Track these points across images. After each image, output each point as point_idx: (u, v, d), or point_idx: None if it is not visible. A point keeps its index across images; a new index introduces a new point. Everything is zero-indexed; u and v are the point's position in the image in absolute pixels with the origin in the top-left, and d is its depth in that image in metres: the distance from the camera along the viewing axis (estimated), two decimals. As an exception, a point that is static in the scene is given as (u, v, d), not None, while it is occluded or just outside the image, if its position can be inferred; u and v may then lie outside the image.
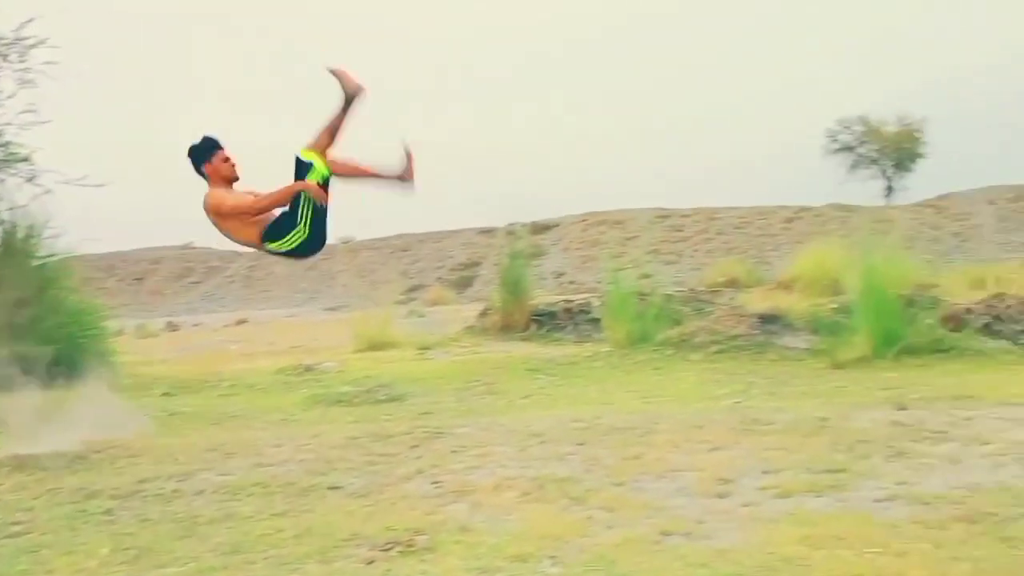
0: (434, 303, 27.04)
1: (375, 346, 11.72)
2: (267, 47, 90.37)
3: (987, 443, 4.17)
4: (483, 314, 13.44)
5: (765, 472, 3.84)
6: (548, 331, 12.12)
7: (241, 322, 24.17)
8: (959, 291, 11.73)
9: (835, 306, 9.65)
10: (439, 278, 41.03)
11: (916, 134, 46.21)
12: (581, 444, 4.75)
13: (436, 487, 3.98)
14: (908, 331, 7.99)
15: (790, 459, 4.05)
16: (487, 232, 43.74)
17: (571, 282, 36.99)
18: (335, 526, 3.38)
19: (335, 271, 43.47)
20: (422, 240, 46.69)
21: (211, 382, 9.18)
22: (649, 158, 74.79)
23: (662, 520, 3.19)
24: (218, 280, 46.14)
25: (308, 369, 9.72)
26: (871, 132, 46.53)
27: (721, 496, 3.51)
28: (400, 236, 47.20)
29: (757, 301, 11.94)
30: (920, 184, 48.79)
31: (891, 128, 46.36)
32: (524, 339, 11.90)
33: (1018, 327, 7.98)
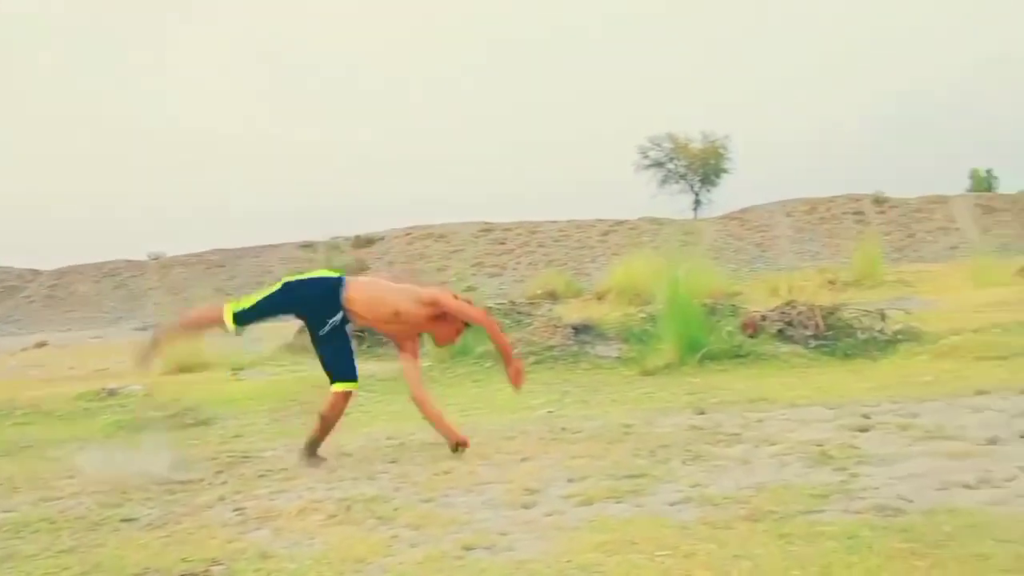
0: (253, 320, 26.13)
1: (185, 368, 11.17)
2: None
3: (775, 443, 4.43)
4: (302, 331, 13.11)
5: (570, 480, 3.92)
6: (370, 347, 11.97)
7: (41, 345, 22.51)
8: (759, 298, 12.50)
9: (644, 315, 10.05)
10: (258, 295, 39.72)
11: (720, 151, 49.10)
12: (393, 462, 4.71)
13: (238, 514, 3.83)
14: (710, 338, 8.40)
15: (594, 466, 4.16)
16: (308, 246, 42.86)
17: (395, 296, 36.67)
18: (126, 560, 3.18)
19: (145, 289, 41.41)
20: (239, 255, 45.09)
21: (4, 410, 8.49)
22: (473, 172, 75.61)
23: (466, 535, 3.19)
24: (15, 301, 42.82)
25: (111, 393, 9.15)
26: (679, 149, 49.06)
27: (526, 507, 3.56)
28: (215, 251, 45.43)
29: (573, 312, 12.27)
30: (725, 198, 51.74)
31: (697, 145, 49.07)
32: (344, 355, 11.69)
33: (807, 332, 8.54)
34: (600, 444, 4.74)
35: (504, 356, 4.92)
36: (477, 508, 3.61)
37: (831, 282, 17.72)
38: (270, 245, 45.34)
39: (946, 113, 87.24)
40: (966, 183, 54.37)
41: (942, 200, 46.90)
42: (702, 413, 5.63)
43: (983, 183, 54.17)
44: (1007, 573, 2.39)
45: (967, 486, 3.30)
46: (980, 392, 5.61)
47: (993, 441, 4.07)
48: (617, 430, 5.13)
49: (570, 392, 7.47)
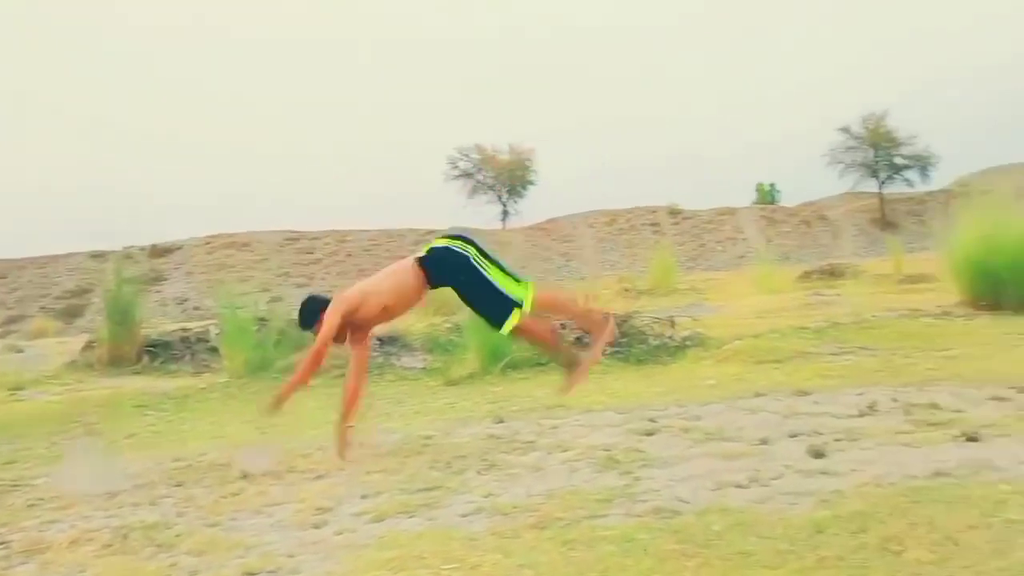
0: (37, 336, 24.40)
1: (-43, 389, 10.23)
2: None
3: (567, 450, 4.54)
4: (87, 347, 12.32)
5: (364, 497, 3.86)
6: (163, 363, 11.39)
7: None
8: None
9: (450, 326, 10.10)
10: (42, 308, 37.09)
11: (527, 162, 50.29)
12: (179, 485, 4.48)
13: (2, 548, 3.53)
14: (512, 347, 8.54)
15: (390, 481, 4.12)
16: (99, 256, 40.32)
17: (196, 308, 35.27)
18: None
19: (-91, 304, 37.69)
20: (22, 266, 41.85)
21: None
22: (277, 180, 73.72)
23: (251, 559, 3.08)
24: None
25: None
26: (486, 160, 49.84)
27: (316, 527, 3.47)
28: (-5, 261, 42.03)
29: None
30: (531, 209, 53.02)
31: (504, 156, 50.03)
32: (136, 373, 11.07)
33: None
34: (397, 458, 4.70)
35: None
36: (265, 530, 3.49)
37: (628, 290, 18.50)
38: (57, 255, 42.35)
39: (734, 134, 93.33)
40: (752, 196, 58.33)
41: (731, 212, 50.05)
42: (501, 422, 5.70)
43: (767, 196, 58.26)
44: (767, 569, 2.54)
45: (739, 485, 3.50)
46: (758, 394, 5.98)
47: (765, 441, 4.35)
48: (416, 442, 5.11)
49: (374, 405, 7.37)
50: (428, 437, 5.22)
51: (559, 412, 5.96)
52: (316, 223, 46.43)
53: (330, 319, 4.70)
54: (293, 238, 44.32)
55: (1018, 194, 10.90)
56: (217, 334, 11.44)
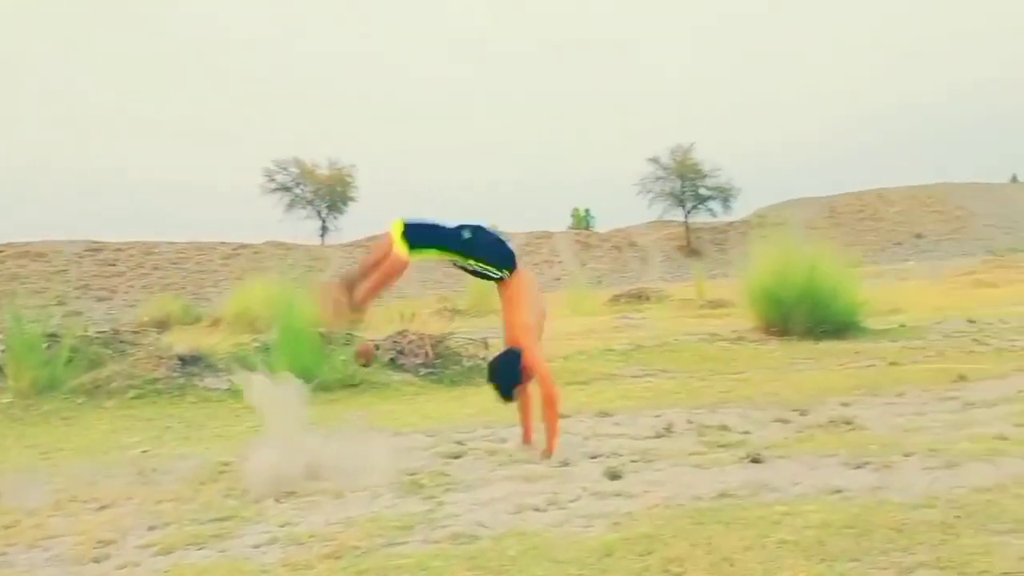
0: None
1: None
2: None
3: (373, 475, 4.47)
4: None
5: (152, 528, 3.65)
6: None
7: None
8: (382, 326, 12.70)
9: (258, 344, 9.79)
10: None
11: (347, 178, 49.67)
12: (-53, 517, 4.09)
13: None
14: (323, 368, 8.38)
15: (181, 511, 3.93)
16: None
17: (-20, 322, 32.50)
18: None
19: None
20: None
21: None
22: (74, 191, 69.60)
23: (19, 599, 2.84)
24: None
25: None
26: (306, 174, 48.84)
27: (97, 561, 3.26)
28: None
29: (184, 340, 11.62)
30: (352, 225, 52.43)
31: (324, 171, 49.20)
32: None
33: (418, 360, 8.83)
34: (192, 485, 4.49)
35: None
36: (40, 565, 3.25)
37: (447, 310, 18.59)
38: None
39: (554, 160, 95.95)
40: (568, 221, 60.15)
41: (547, 236, 51.33)
42: (306, 447, 5.54)
43: (582, 221, 60.23)
44: (557, 592, 2.59)
45: (537, 509, 3.55)
46: (562, 416, 6.12)
47: (566, 463, 4.45)
48: (212, 469, 4.90)
49: (172, 428, 7.04)
50: (226, 463, 5.01)
51: (368, 436, 5.87)
52: (120, 234, 43.98)
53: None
54: (95, 249, 41.78)
55: (808, 226, 11.79)
56: (1, 351, 10.58)
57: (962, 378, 6.73)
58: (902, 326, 11.25)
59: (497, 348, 9.69)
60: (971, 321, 11.24)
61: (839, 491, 3.42)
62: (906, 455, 3.97)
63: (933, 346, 9.29)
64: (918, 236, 56.46)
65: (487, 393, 7.93)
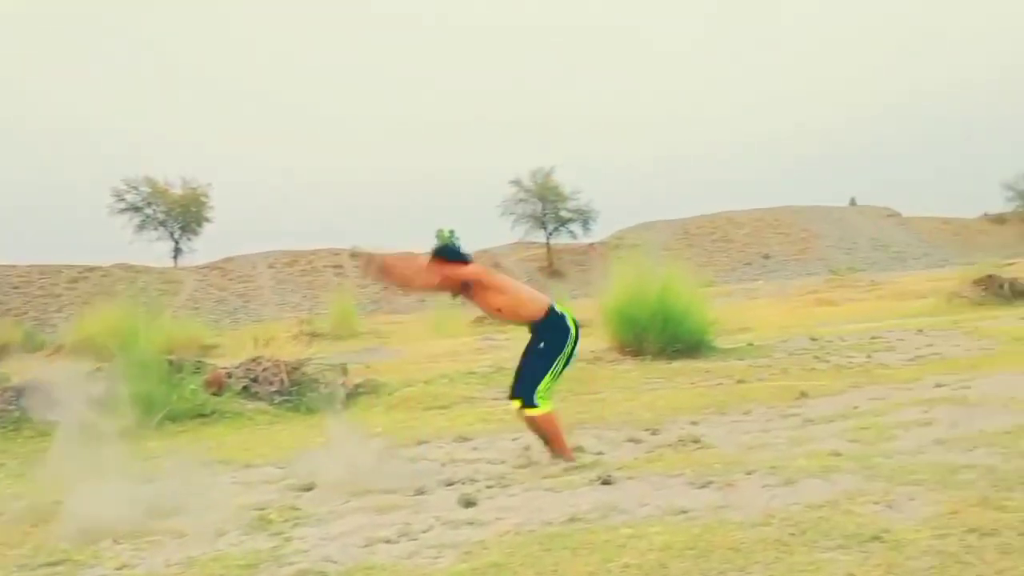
0: None
1: None
2: None
3: (219, 510, 4.29)
4: None
5: (-29, 578, 3.41)
6: None
7: None
8: (239, 350, 12.32)
9: (101, 373, 9.30)
10: None
11: (202, 198, 48.02)
12: None
13: None
14: (172, 397, 8.05)
15: (9, 556, 3.69)
16: None
17: None
18: None
19: None
20: None
21: None
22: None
23: None
24: None
25: None
26: (157, 193, 46.94)
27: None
28: None
29: (22, 370, 10.95)
30: (208, 247, 50.76)
31: (177, 191, 47.40)
32: None
33: (273, 387, 8.60)
34: (23, 527, 4.22)
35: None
36: None
37: (307, 334, 18.21)
38: None
39: (423, 179, 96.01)
40: (433, 242, 60.06)
41: (413, 257, 51.12)
42: (150, 483, 5.30)
43: (448, 242, 60.24)
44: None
45: (388, 541, 3.50)
46: (420, 442, 6.09)
47: (421, 491, 4.40)
48: (47, 509, 4.60)
49: (5, 465, 6.62)
50: (61, 503, 4.72)
51: (217, 469, 5.68)
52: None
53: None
54: (-77, 272, 39.02)
55: (663, 248, 12.19)
56: None
57: (804, 395, 7.05)
58: (750, 344, 11.71)
59: (357, 373, 9.59)
60: (813, 339, 11.81)
61: (683, 511, 3.51)
62: (748, 473, 4.11)
63: (778, 364, 9.70)
64: (766, 257, 59.22)
65: (344, 420, 7.84)
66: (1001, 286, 16.17)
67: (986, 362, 8.32)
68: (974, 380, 6.95)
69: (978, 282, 16.58)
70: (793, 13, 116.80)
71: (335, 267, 46.64)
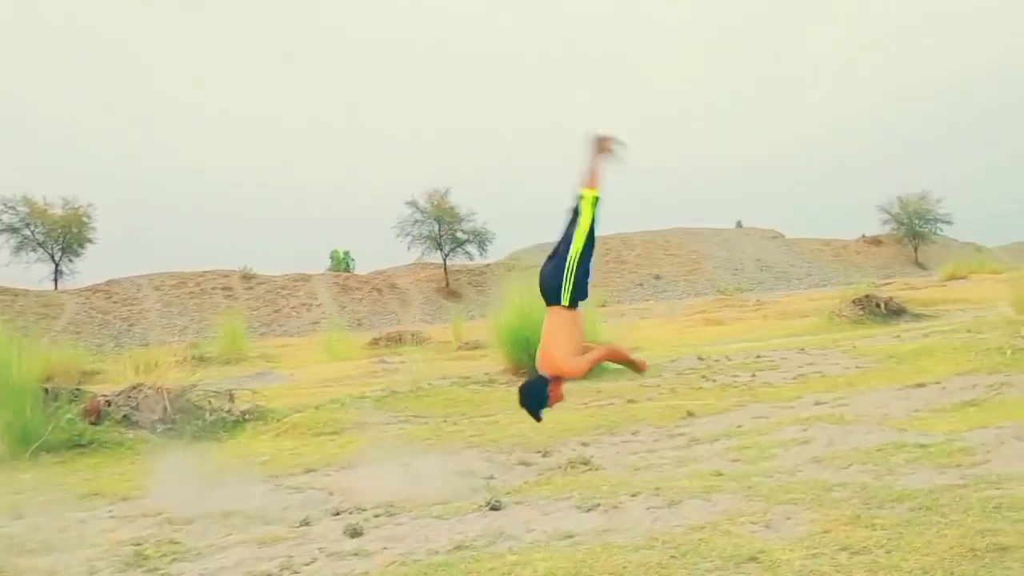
0: None
1: None
2: None
3: (92, 546, 4.12)
4: None
5: None
6: None
7: None
8: (122, 376, 11.84)
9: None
10: None
11: (84, 219, 46.19)
12: None
13: None
14: (48, 427, 7.69)
15: None
16: None
17: None
18: None
19: None
20: None
21: None
22: None
23: None
24: None
25: None
26: (37, 214, 44.93)
27: None
28: None
29: None
30: (90, 269, 48.80)
31: (58, 211, 45.47)
32: None
33: (155, 416, 8.29)
34: None
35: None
36: None
37: (194, 358, 17.64)
38: None
39: (312, 199, 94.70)
40: (327, 263, 59.26)
41: (305, 278, 50.35)
42: (20, 518, 5.04)
43: (342, 263, 59.50)
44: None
45: (269, 575, 3.41)
46: (308, 470, 5.97)
47: (307, 522, 4.31)
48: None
49: None
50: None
51: (92, 503, 5.44)
52: None
53: None
54: None
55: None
56: None
57: (690, 414, 7.22)
58: (640, 364, 11.89)
59: (244, 399, 9.33)
60: (701, 358, 12.08)
61: (569, 536, 3.54)
62: (633, 495, 4.17)
63: (667, 383, 9.90)
64: (657, 277, 60.51)
65: (230, 448, 7.63)
66: (878, 305, 16.88)
67: (862, 380, 8.67)
68: (851, 397, 7.24)
69: (856, 301, 17.26)
70: (665, 45, 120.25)
71: (225, 289, 45.58)
